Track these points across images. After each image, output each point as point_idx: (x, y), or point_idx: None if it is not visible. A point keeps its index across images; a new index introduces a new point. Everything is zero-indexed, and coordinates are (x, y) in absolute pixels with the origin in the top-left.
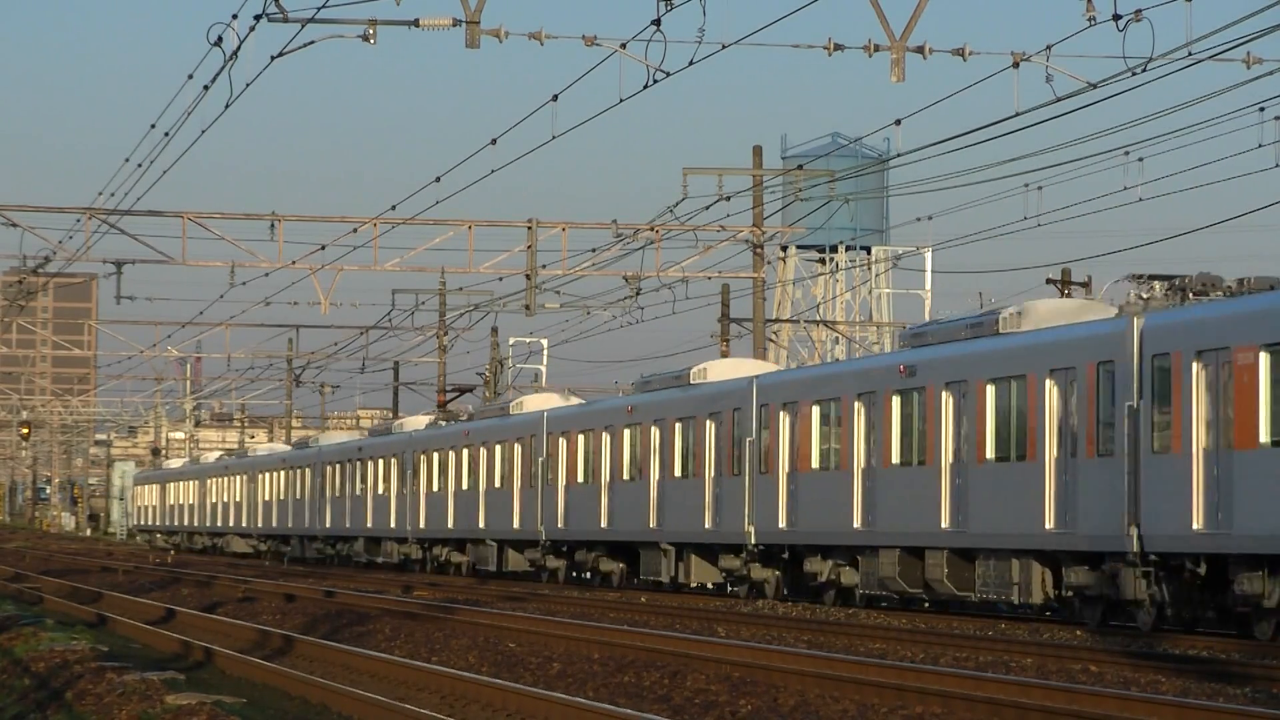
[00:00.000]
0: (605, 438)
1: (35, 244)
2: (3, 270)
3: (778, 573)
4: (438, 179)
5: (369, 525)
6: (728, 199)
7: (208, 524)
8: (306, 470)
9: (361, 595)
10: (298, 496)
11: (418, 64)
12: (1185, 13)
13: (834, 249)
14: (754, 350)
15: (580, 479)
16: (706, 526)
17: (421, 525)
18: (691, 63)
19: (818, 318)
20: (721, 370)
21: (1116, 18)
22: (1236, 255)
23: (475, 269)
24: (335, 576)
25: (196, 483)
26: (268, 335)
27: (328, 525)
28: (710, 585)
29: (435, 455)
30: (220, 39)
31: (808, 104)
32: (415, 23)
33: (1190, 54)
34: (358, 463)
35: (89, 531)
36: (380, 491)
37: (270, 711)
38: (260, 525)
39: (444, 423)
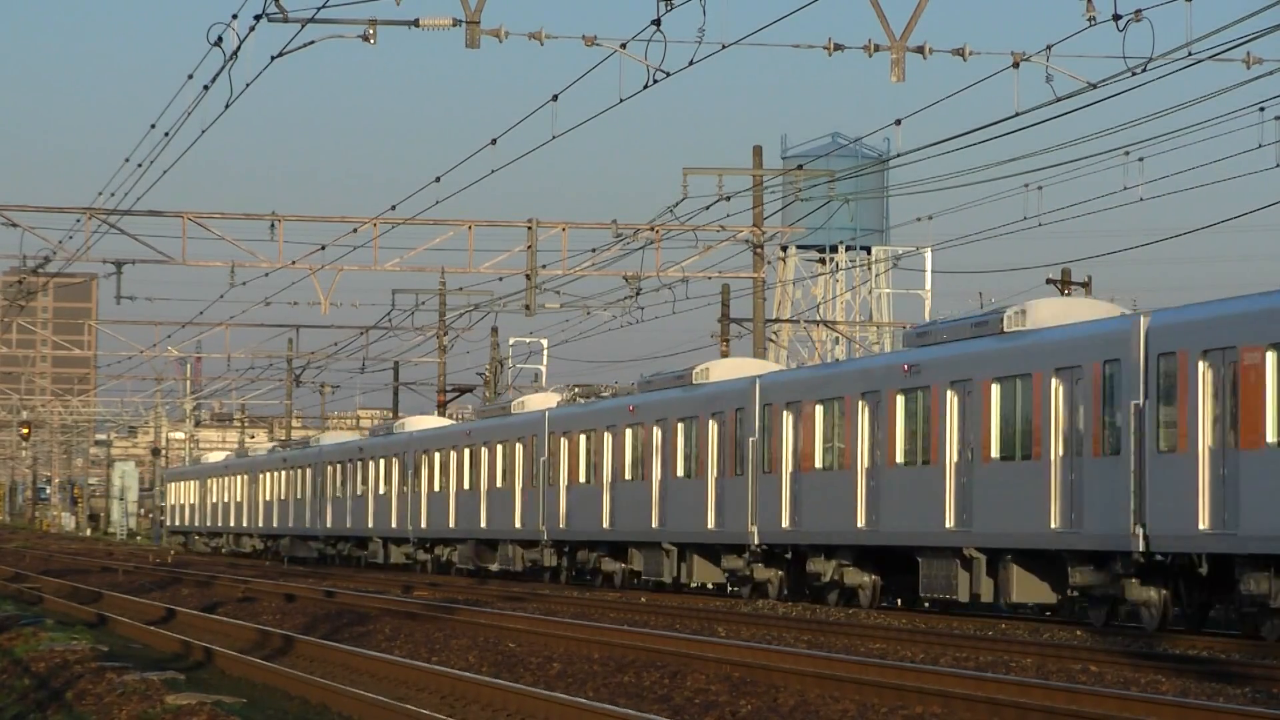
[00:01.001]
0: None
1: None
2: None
3: (780, 573)
4: (438, 179)
5: (432, 525)
6: (728, 199)
7: (259, 524)
8: (394, 460)
9: (361, 595)
10: (380, 492)
11: (418, 64)
12: (1185, 13)
13: (834, 249)
14: (754, 350)
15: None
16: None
17: (423, 525)
18: (691, 63)
19: (818, 318)
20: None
21: (1116, 18)
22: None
23: (475, 269)
24: (335, 576)
25: (245, 478)
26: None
27: (424, 524)
28: (710, 585)
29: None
30: (220, 39)
31: (808, 104)
32: (415, 23)
33: (1190, 54)
34: (461, 450)
35: (89, 531)
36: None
37: (270, 711)
38: (329, 525)
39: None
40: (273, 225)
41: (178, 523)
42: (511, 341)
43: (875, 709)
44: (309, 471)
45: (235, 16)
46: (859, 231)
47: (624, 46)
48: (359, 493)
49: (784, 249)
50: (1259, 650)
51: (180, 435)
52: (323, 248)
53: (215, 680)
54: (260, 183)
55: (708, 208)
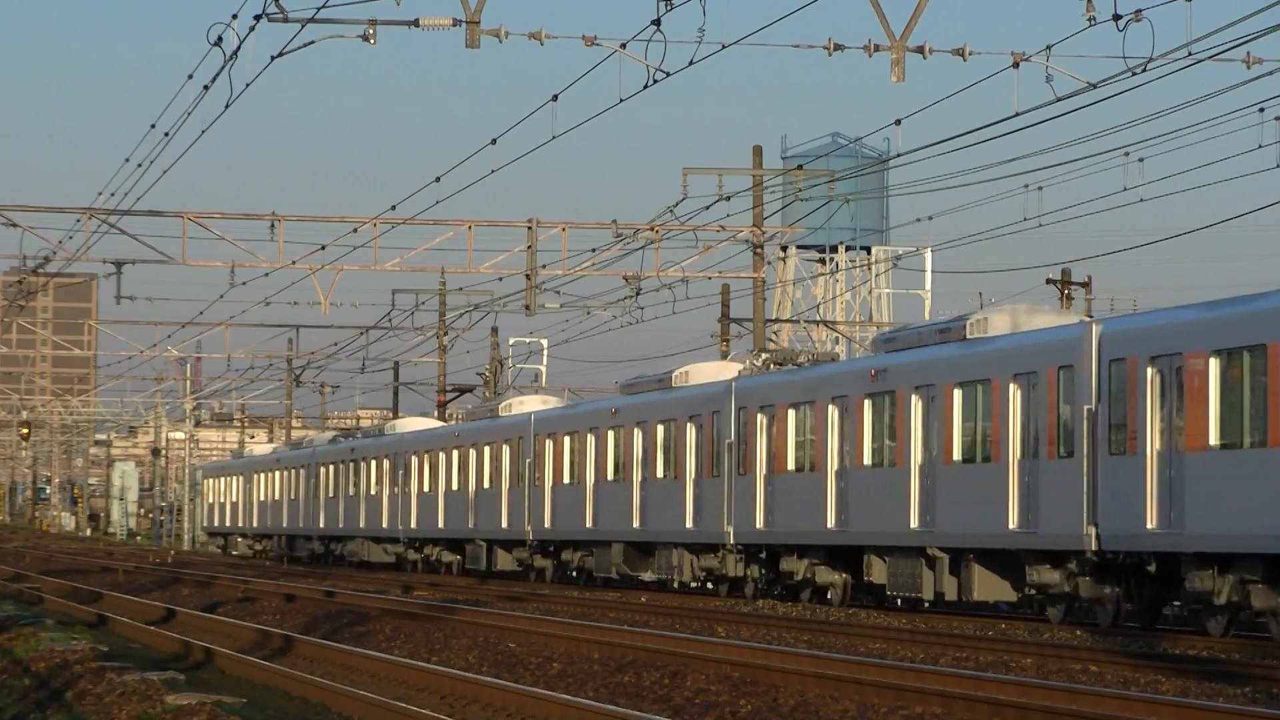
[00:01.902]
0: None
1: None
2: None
3: (756, 571)
4: (438, 179)
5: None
6: (728, 199)
7: (321, 525)
8: (503, 446)
9: (361, 595)
10: (487, 486)
11: (418, 64)
12: (1185, 13)
13: (834, 249)
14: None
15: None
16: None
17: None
18: (691, 63)
19: (818, 318)
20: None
21: (1116, 18)
22: (1236, 255)
23: (475, 269)
24: (336, 576)
25: (302, 472)
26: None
27: (548, 524)
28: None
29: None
30: (220, 39)
31: (808, 104)
32: (415, 23)
33: (1190, 54)
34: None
35: (89, 531)
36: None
37: (270, 711)
38: (414, 526)
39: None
40: (273, 225)
41: (217, 523)
42: (511, 341)
43: (875, 709)
44: (386, 463)
45: (235, 16)
46: (859, 231)
47: (624, 46)
48: (455, 487)
49: (784, 249)
50: (1259, 650)
51: (180, 435)
52: (323, 248)
53: (215, 680)
54: (260, 183)
55: (708, 208)
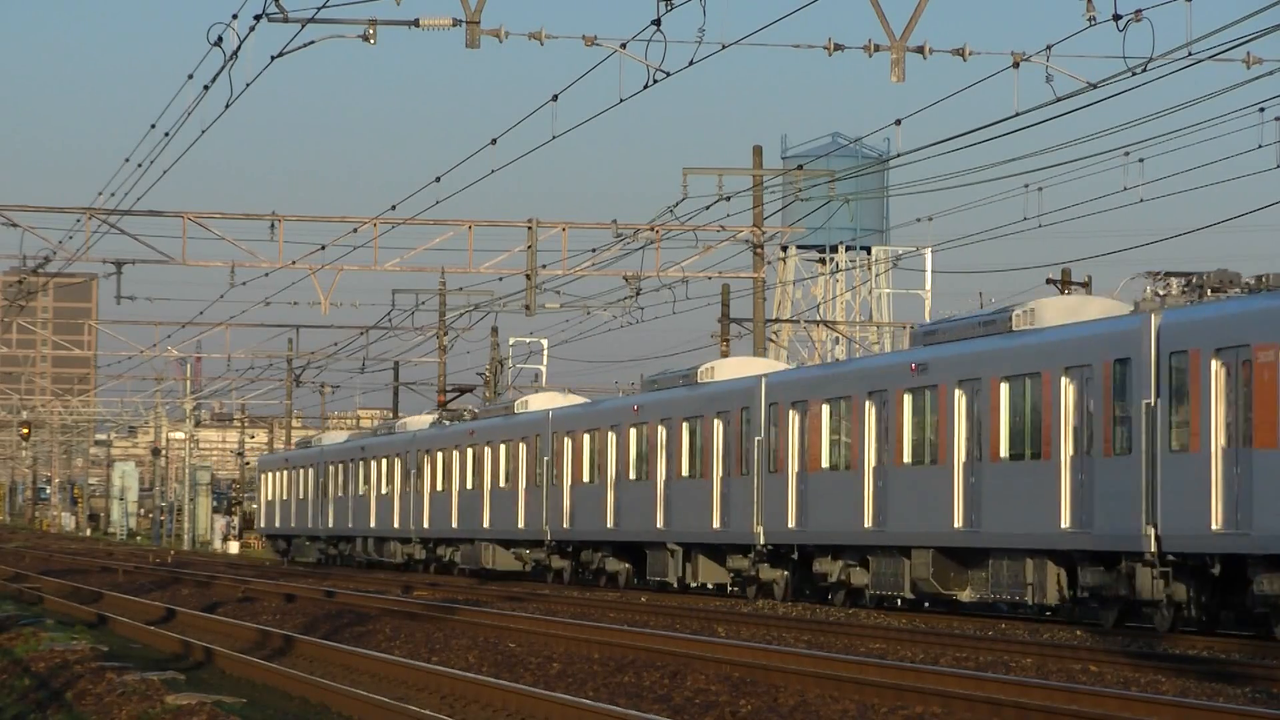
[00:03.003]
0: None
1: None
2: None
3: (786, 573)
4: (438, 179)
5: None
6: (728, 199)
7: (424, 526)
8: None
9: (361, 595)
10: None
11: (418, 64)
12: (1185, 13)
13: (834, 249)
14: (754, 350)
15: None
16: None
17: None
18: (691, 63)
19: (818, 318)
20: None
21: (1116, 18)
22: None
23: (475, 269)
24: (336, 576)
25: (398, 462)
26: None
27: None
28: (710, 585)
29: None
30: (220, 39)
31: (808, 104)
32: (415, 23)
33: (1190, 54)
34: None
35: (89, 531)
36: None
37: (270, 711)
38: (567, 526)
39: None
40: (273, 225)
41: (278, 524)
42: (511, 341)
43: (875, 709)
44: (518, 446)
45: (235, 16)
46: (859, 231)
47: (624, 46)
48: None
49: (784, 249)
50: (1259, 650)
51: (180, 435)
52: (323, 248)
53: (215, 680)
54: (260, 183)
55: (708, 208)
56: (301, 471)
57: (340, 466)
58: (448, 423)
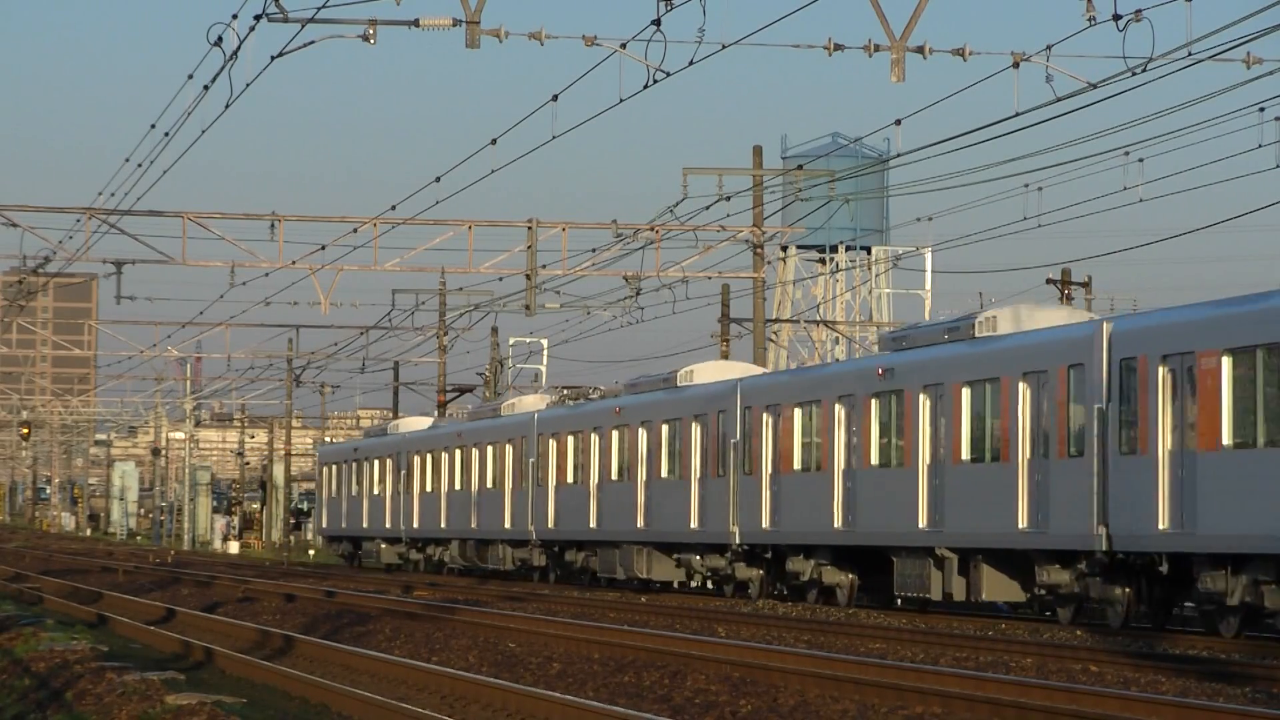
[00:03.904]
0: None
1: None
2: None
3: (761, 572)
4: (438, 179)
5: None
6: (728, 199)
7: (551, 524)
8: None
9: (361, 595)
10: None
11: (418, 64)
12: (1185, 13)
13: (834, 249)
14: (754, 350)
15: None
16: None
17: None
18: (691, 63)
19: (818, 318)
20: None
21: (1116, 18)
22: (1236, 255)
23: (475, 269)
24: (336, 577)
25: (508, 448)
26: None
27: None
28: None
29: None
30: (220, 39)
31: (808, 104)
32: (415, 23)
33: (1190, 54)
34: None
35: (89, 531)
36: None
37: (270, 711)
38: (771, 525)
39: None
40: (273, 225)
41: (345, 525)
42: (511, 341)
43: (875, 709)
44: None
45: (235, 16)
46: (859, 231)
47: (624, 46)
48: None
49: (784, 249)
50: (1259, 650)
51: (180, 435)
52: (323, 248)
53: (215, 680)
54: (260, 183)
55: (708, 208)
56: (376, 463)
57: (429, 456)
58: (574, 401)
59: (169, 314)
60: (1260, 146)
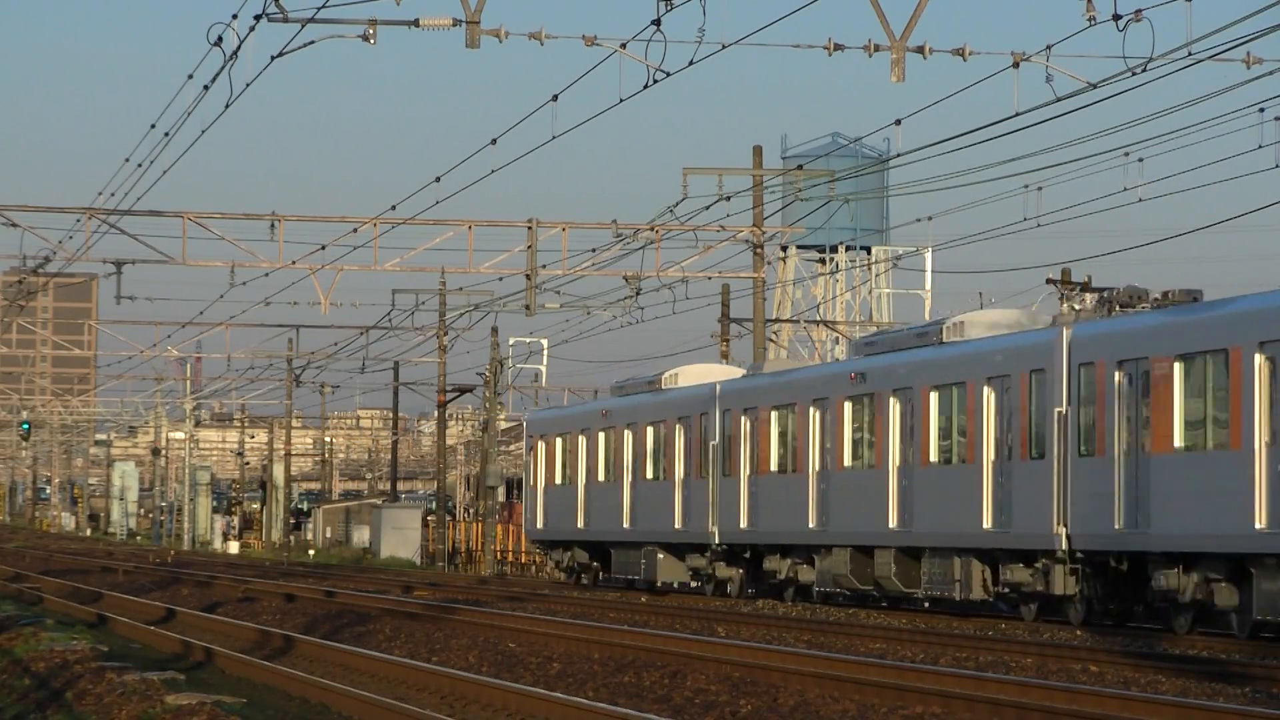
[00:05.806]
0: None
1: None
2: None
3: (740, 571)
4: (438, 179)
5: None
6: (728, 199)
7: (891, 524)
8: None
9: (361, 595)
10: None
11: (418, 64)
12: (1185, 13)
13: (834, 249)
14: (754, 350)
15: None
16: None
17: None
18: (691, 63)
19: (818, 318)
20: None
21: (1116, 18)
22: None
23: (475, 269)
24: (336, 577)
25: (817, 415)
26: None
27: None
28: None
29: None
30: (220, 39)
31: (808, 104)
32: (415, 23)
33: (1190, 54)
34: None
35: (89, 531)
36: None
37: (270, 711)
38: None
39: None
40: (273, 225)
41: (581, 524)
42: (511, 341)
43: (875, 709)
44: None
45: (235, 16)
46: (859, 231)
47: (624, 46)
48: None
49: (784, 249)
50: (1259, 650)
51: (180, 435)
52: (323, 248)
53: (215, 680)
54: (260, 183)
55: (708, 208)
56: (629, 433)
57: (760, 419)
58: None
59: (169, 314)
60: (1260, 146)
